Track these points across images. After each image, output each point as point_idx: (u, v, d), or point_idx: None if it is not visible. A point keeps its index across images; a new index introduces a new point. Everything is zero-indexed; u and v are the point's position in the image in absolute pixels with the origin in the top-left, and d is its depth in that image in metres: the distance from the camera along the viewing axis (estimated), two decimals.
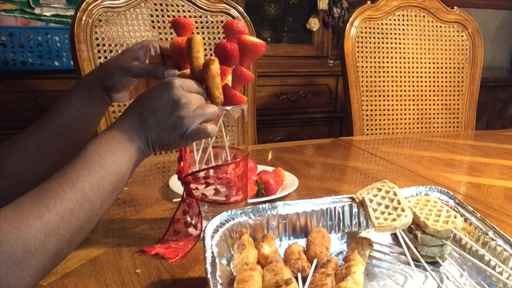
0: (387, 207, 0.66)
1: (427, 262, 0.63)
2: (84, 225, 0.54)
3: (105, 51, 1.23)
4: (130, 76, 0.70)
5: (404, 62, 1.64)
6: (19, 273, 0.47)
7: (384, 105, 1.62)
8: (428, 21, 1.67)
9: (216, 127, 0.65)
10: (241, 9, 1.40)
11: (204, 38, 1.38)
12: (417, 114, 1.67)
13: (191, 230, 0.72)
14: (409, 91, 1.66)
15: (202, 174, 0.69)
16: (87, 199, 0.54)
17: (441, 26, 1.68)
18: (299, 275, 0.58)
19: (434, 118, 1.70)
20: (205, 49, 1.38)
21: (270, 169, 0.95)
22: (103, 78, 0.70)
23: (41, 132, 0.70)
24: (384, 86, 1.62)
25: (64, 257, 0.55)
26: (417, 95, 1.67)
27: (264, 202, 0.74)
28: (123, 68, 0.69)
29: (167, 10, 1.31)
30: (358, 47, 1.57)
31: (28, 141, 0.69)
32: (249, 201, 0.78)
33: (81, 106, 0.70)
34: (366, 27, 1.59)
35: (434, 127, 1.70)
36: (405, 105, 1.65)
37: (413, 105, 1.67)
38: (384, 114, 1.63)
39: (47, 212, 0.50)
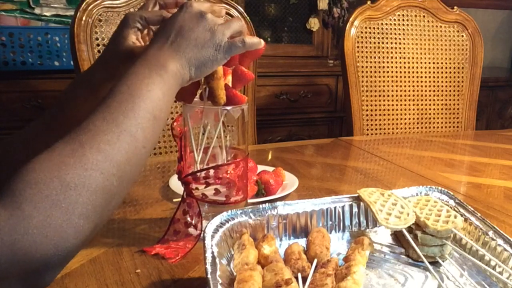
0: (393, 205, 0.66)
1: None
2: (130, 158, 0.50)
3: None
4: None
5: (404, 62, 1.64)
6: (63, 213, 0.43)
7: (384, 105, 1.62)
8: (428, 21, 1.67)
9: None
10: (241, 9, 1.40)
11: None
12: (417, 114, 1.67)
13: (191, 230, 0.71)
14: (409, 91, 1.66)
15: (202, 174, 0.69)
16: (124, 129, 0.50)
17: (441, 26, 1.68)
18: (299, 275, 0.58)
19: (434, 118, 1.69)
20: None
21: (270, 169, 0.95)
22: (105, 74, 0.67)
23: (53, 136, 0.66)
24: (384, 86, 1.62)
25: (118, 195, 0.50)
26: (417, 95, 1.67)
27: (264, 202, 0.74)
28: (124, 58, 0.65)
29: None
30: (358, 47, 1.57)
31: (40, 144, 0.66)
32: (249, 201, 0.78)
33: (86, 104, 0.67)
34: (366, 27, 1.59)
35: (434, 127, 1.70)
36: (405, 105, 1.65)
37: (413, 105, 1.67)
38: (384, 114, 1.63)
39: (80, 148, 0.46)
